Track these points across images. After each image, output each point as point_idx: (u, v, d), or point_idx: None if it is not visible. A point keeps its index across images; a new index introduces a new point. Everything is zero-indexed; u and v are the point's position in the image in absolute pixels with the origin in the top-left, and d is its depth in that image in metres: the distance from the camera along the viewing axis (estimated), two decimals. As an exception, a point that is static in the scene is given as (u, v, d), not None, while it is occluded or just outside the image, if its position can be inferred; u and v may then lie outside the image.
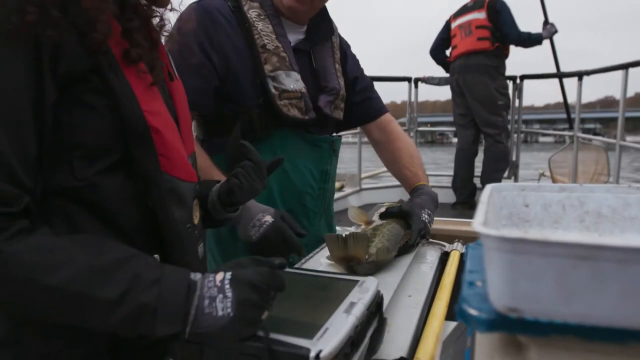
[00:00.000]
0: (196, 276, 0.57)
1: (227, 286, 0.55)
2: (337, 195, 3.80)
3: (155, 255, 0.62)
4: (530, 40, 3.70)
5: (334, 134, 1.33)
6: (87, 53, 0.57)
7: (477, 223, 0.35)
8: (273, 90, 1.09)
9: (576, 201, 0.58)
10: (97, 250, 0.55)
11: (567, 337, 0.34)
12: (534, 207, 0.59)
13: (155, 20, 0.71)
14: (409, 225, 1.09)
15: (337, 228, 1.52)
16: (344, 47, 1.35)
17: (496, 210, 0.59)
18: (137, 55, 0.62)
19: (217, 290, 0.55)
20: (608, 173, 3.68)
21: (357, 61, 1.39)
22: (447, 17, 4.03)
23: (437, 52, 4.05)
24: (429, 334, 0.70)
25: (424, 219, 1.14)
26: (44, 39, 0.54)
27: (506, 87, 3.76)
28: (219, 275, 0.56)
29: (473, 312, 0.36)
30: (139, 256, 0.57)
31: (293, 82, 1.11)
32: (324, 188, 1.26)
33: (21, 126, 0.54)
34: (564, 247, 0.30)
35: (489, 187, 0.57)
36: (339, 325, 0.58)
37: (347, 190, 3.97)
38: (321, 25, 1.23)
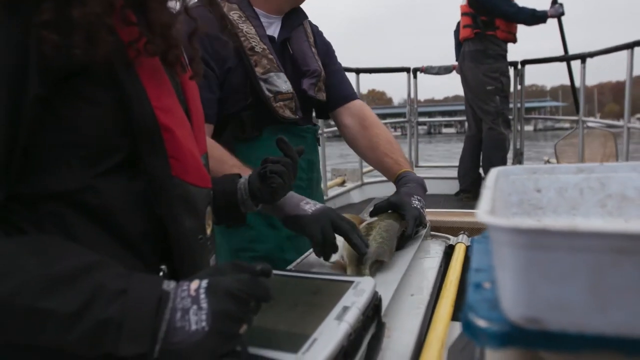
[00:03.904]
0: (169, 285, 0.50)
1: (203, 296, 0.48)
2: (338, 190, 3.75)
3: (163, 266, 0.56)
4: (534, 17, 3.55)
5: (315, 124, 1.35)
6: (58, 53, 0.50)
7: (483, 211, 0.27)
8: (267, 93, 1.11)
9: (596, 183, 0.50)
10: (53, 256, 0.48)
11: (602, 353, 0.26)
12: (547, 192, 0.52)
13: None
14: (402, 217, 1.03)
15: None
16: (314, 30, 1.35)
17: (504, 197, 0.52)
18: (153, 49, 0.56)
19: (191, 300, 0.48)
20: (616, 158, 3.60)
21: (327, 44, 1.38)
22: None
23: (455, 32, 3.92)
24: (432, 339, 0.62)
25: (415, 205, 1.08)
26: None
27: (497, 71, 3.58)
28: (194, 284, 0.49)
29: (482, 323, 0.29)
30: (103, 263, 0.50)
31: (283, 83, 1.14)
32: (311, 177, 1.27)
33: None
34: (600, 239, 0.23)
35: (494, 171, 0.49)
36: (329, 335, 0.52)
37: (349, 185, 3.92)
38: (293, 12, 1.25)
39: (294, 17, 1.25)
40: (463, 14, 3.64)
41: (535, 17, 3.56)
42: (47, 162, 0.52)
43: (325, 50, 1.35)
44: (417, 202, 1.09)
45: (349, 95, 1.35)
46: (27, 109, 0.49)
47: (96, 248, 0.52)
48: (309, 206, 0.91)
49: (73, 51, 0.49)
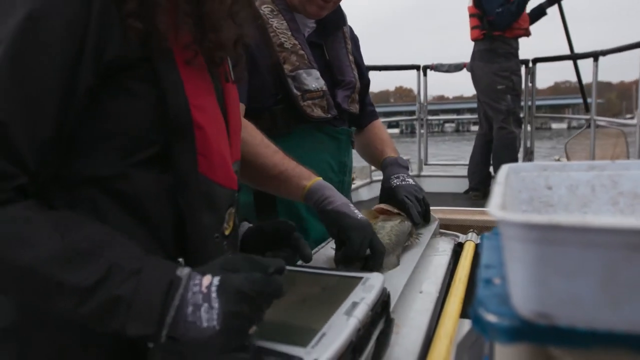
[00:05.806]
0: (182, 272, 0.51)
1: (214, 294, 0.49)
2: (347, 187, 3.74)
3: (180, 259, 0.57)
4: (533, 15, 3.55)
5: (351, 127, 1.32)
6: (140, 41, 0.54)
7: (494, 206, 0.27)
8: (295, 91, 1.07)
9: (608, 181, 0.50)
10: (77, 232, 0.50)
11: (613, 350, 0.26)
12: (558, 190, 0.51)
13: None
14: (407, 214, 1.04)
15: None
16: (354, 37, 1.31)
17: (514, 194, 0.52)
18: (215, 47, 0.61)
19: (203, 297, 0.49)
20: (627, 157, 3.57)
21: (360, 54, 1.35)
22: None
23: None
24: (441, 335, 0.63)
25: (396, 183, 1.11)
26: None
27: (508, 70, 3.55)
28: (206, 280, 0.50)
29: (491, 318, 0.29)
30: (122, 243, 0.52)
31: (314, 80, 1.09)
32: (343, 180, 1.22)
33: (41, 105, 0.51)
34: (613, 235, 0.22)
35: (505, 168, 0.49)
36: (338, 330, 0.52)
37: (358, 182, 3.92)
38: (331, 16, 1.16)
39: (332, 22, 1.18)
40: (470, 16, 3.63)
41: (534, 16, 3.58)
42: (86, 148, 0.55)
43: (360, 60, 1.32)
44: (397, 181, 1.11)
45: (374, 113, 1.37)
46: (79, 96, 0.52)
47: (123, 233, 0.54)
48: (357, 212, 0.88)
49: (157, 27, 0.54)
